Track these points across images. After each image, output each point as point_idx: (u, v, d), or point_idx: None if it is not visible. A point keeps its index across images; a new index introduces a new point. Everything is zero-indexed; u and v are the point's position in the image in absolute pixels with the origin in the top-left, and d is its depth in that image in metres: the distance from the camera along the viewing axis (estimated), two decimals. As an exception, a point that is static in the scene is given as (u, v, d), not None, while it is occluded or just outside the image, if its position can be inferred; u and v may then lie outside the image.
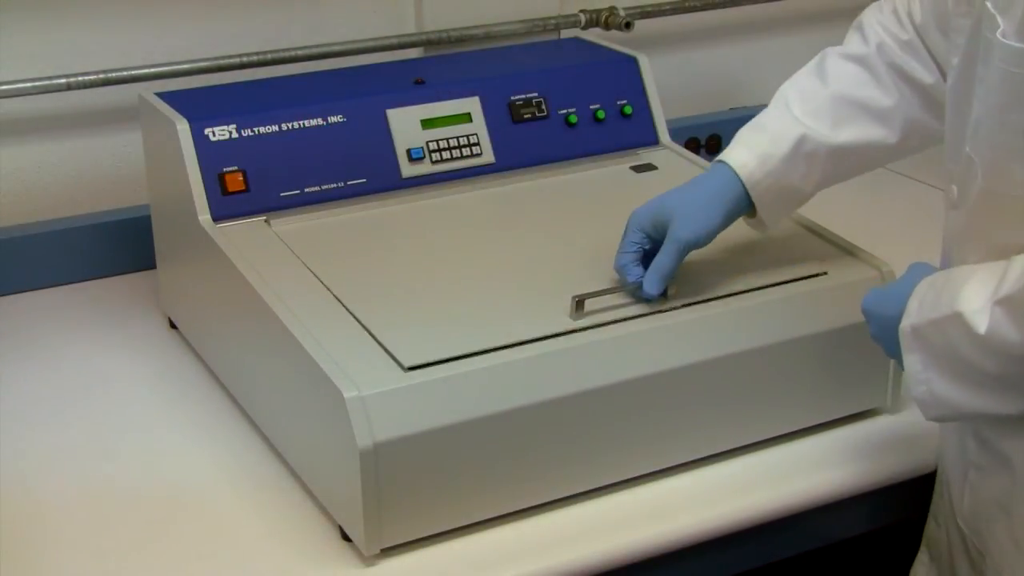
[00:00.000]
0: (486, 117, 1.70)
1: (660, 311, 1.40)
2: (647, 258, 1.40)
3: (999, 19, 1.16)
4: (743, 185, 1.41)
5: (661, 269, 1.38)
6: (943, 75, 1.38)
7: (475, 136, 1.68)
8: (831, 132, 1.42)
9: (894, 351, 1.26)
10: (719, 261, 1.64)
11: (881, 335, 1.30)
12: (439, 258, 1.51)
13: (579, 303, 1.36)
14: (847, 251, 1.54)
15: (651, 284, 1.38)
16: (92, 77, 1.83)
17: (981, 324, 1.14)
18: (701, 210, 1.40)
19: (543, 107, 1.73)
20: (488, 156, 1.69)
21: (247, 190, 1.56)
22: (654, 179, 1.71)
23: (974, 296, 1.16)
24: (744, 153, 1.42)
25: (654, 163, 1.76)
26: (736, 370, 1.41)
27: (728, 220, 1.42)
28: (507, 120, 1.71)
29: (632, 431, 1.37)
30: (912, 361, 1.23)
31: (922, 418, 1.27)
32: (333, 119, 1.62)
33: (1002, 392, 1.18)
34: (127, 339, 1.73)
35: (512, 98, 1.72)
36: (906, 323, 1.23)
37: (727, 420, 1.43)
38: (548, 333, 1.34)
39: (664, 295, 1.39)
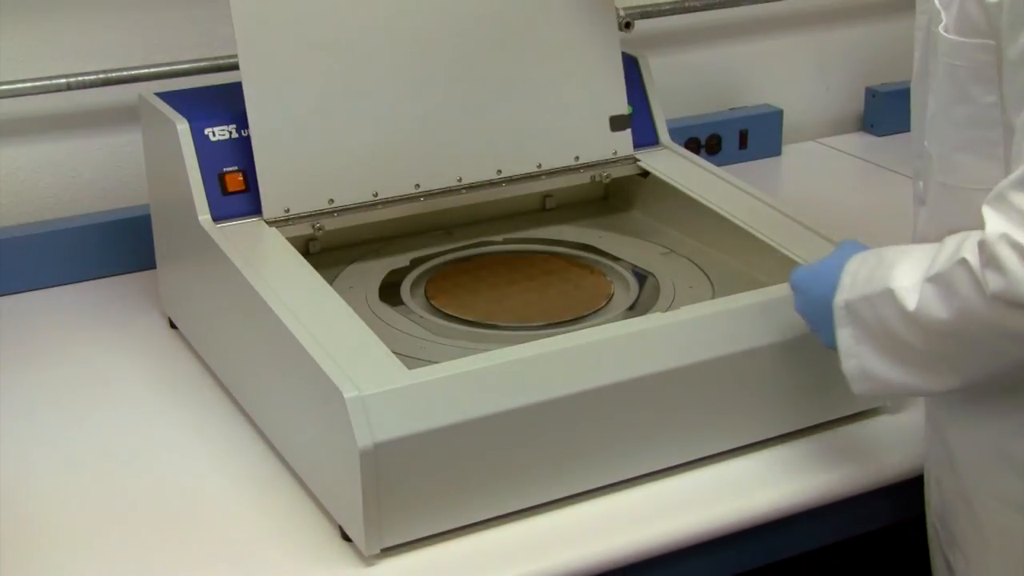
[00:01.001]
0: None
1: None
2: None
3: (943, 14, 1.20)
4: None
5: None
6: None
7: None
8: None
9: (818, 326, 1.29)
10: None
11: (805, 309, 1.32)
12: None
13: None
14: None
15: None
16: (92, 77, 1.84)
17: (911, 301, 1.17)
18: None
19: (543, 107, 1.74)
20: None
21: (247, 190, 1.56)
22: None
23: (907, 274, 1.18)
24: None
25: (655, 164, 1.76)
26: (736, 370, 1.41)
27: None
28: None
29: (632, 431, 1.37)
30: (844, 335, 1.25)
31: (923, 419, 1.26)
32: (333, 119, 1.62)
33: (929, 369, 1.20)
34: (127, 339, 1.73)
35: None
36: (840, 298, 1.25)
37: (727, 420, 1.43)
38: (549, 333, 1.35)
39: None
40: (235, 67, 1.53)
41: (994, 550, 1.27)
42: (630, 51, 1.81)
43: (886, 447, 1.47)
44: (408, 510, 1.28)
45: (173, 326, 1.74)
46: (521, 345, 1.34)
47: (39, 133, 1.90)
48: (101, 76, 1.84)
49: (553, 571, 1.29)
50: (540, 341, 1.35)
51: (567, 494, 1.36)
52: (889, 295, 1.19)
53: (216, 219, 1.53)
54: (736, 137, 2.28)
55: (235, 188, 1.55)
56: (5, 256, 1.83)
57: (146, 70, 1.86)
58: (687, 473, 1.42)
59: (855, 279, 1.24)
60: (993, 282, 1.10)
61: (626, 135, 1.76)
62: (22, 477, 1.44)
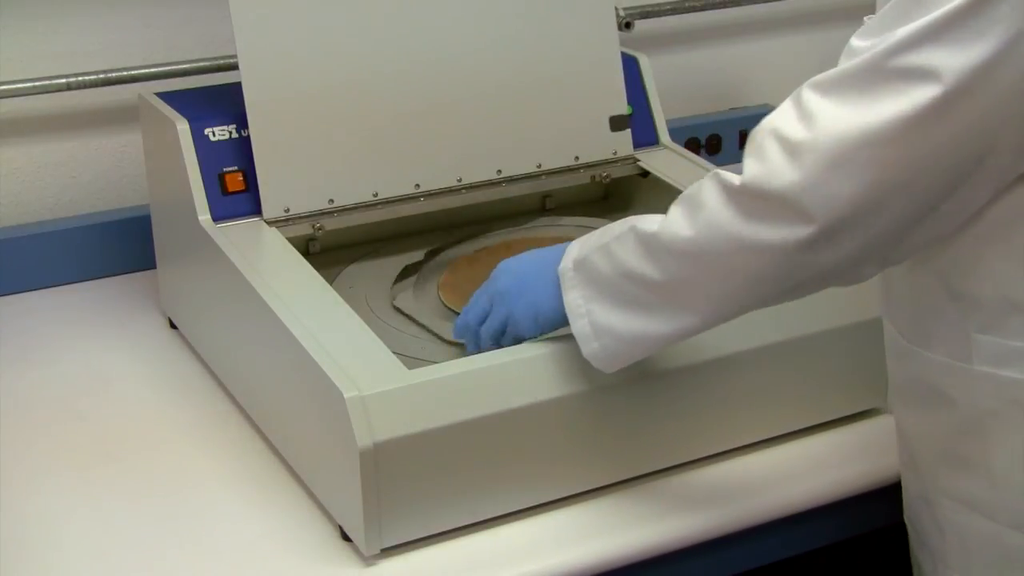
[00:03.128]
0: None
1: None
2: None
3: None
4: None
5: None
6: None
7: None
8: None
9: (516, 307, 1.31)
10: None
11: (512, 286, 1.32)
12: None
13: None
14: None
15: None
16: (92, 77, 1.83)
17: (655, 225, 1.17)
18: None
19: (543, 107, 1.74)
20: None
21: (247, 190, 1.56)
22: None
23: (649, 218, 1.19)
24: None
25: (655, 164, 1.76)
26: (735, 370, 1.41)
27: None
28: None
29: (631, 432, 1.37)
30: (573, 298, 1.25)
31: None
32: (333, 119, 1.62)
33: (664, 307, 1.19)
34: (127, 339, 1.73)
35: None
36: (566, 263, 1.26)
37: (727, 420, 1.43)
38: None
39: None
40: (235, 67, 1.53)
41: (953, 549, 1.26)
42: (630, 51, 1.81)
43: (886, 447, 1.47)
44: (408, 510, 1.28)
45: (173, 326, 1.74)
46: (521, 345, 1.34)
47: (39, 133, 1.90)
48: (101, 76, 1.84)
49: (553, 571, 1.29)
50: (540, 341, 1.35)
51: (567, 494, 1.37)
52: (630, 231, 1.19)
53: (216, 219, 1.54)
54: (736, 137, 2.28)
55: (235, 188, 1.55)
56: (5, 256, 1.83)
57: (146, 70, 1.86)
58: (686, 473, 1.42)
59: (583, 244, 1.25)
60: (750, 168, 1.09)
61: (626, 135, 1.76)
62: (22, 477, 1.44)
